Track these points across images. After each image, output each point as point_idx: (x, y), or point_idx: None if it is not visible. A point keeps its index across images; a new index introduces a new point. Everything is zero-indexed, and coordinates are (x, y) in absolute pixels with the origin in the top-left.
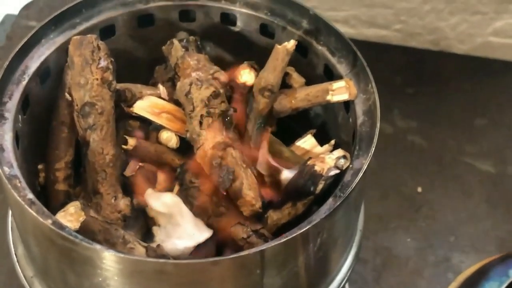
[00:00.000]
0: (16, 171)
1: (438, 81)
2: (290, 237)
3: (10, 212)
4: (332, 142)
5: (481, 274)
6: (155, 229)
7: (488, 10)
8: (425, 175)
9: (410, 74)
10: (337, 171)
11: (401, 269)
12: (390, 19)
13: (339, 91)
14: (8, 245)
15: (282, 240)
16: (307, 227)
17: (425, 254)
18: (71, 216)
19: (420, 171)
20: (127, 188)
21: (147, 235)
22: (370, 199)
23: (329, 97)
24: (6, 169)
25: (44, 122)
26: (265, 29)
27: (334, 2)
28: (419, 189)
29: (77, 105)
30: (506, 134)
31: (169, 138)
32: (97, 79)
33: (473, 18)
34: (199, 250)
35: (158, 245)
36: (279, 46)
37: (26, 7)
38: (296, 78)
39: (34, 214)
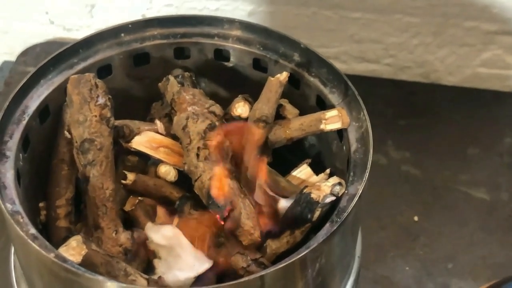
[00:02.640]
0: (18, 207)
1: (430, 112)
2: (289, 262)
3: (12, 251)
4: (328, 171)
5: None
6: (156, 261)
7: (475, 42)
8: (421, 204)
9: (401, 106)
10: (333, 198)
11: None
12: (380, 53)
13: (332, 120)
14: (11, 284)
15: (282, 265)
16: (306, 251)
17: (424, 282)
18: (73, 250)
19: (415, 200)
20: (127, 222)
21: (148, 268)
22: (368, 229)
23: (322, 126)
24: (8, 205)
25: (44, 160)
26: (258, 64)
27: (324, 39)
28: (416, 218)
29: (76, 142)
30: (498, 162)
31: (167, 171)
32: (95, 116)
33: (461, 50)
34: (199, 281)
35: (160, 277)
36: (272, 78)
37: (23, 53)
38: (290, 110)
39: (37, 248)
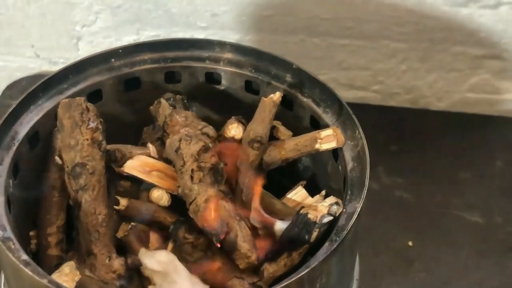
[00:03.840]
0: (9, 233)
1: (420, 137)
2: (289, 281)
3: (3, 281)
4: (323, 192)
5: None
6: None
7: (463, 67)
8: (415, 229)
9: (392, 132)
10: (331, 218)
11: None
12: (368, 80)
13: (327, 139)
14: None
15: (282, 285)
16: (306, 270)
17: None
18: (66, 276)
19: (409, 225)
20: (120, 249)
21: None
22: (363, 256)
23: (317, 146)
24: (0, 232)
25: (34, 187)
26: (250, 86)
27: (312, 66)
28: (410, 243)
29: (67, 167)
30: (490, 185)
31: (160, 196)
32: (87, 139)
33: (449, 76)
34: None
35: None
36: (265, 99)
37: (9, 87)
38: (283, 131)
39: (30, 273)
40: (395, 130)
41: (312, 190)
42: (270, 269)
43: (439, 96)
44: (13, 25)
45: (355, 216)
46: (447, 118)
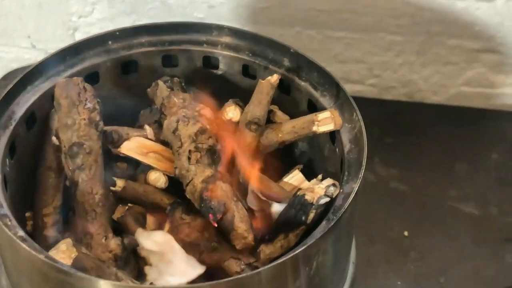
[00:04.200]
0: (6, 210)
1: (416, 130)
2: (287, 258)
3: None
4: (320, 176)
5: None
6: (146, 268)
7: (459, 60)
8: (411, 219)
9: (387, 125)
10: (328, 199)
11: None
12: (364, 74)
13: (325, 121)
14: None
15: (280, 261)
16: (302, 248)
17: None
18: (63, 253)
19: (405, 216)
20: (116, 231)
21: (138, 277)
22: (359, 245)
23: (315, 128)
24: None
25: (30, 168)
26: (247, 70)
27: None
28: (406, 233)
29: (64, 146)
30: (486, 177)
31: (157, 178)
32: (84, 119)
33: (445, 69)
34: None
35: (151, 283)
36: (263, 81)
37: (5, 78)
38: (280, 116)
39: (27, 249)
40: (390, 123)
41: (309, 175)
42: (266, 251)
43: (434, 90)
44: (9, 16)
45: (352, 196)
46: (443, 112)
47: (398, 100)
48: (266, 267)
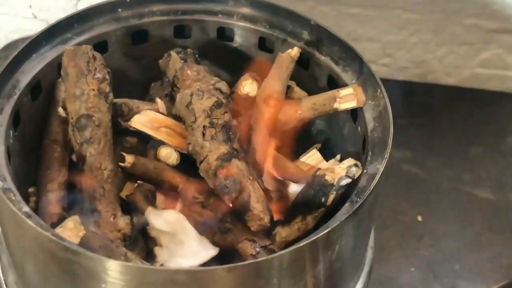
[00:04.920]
0: (10, 184)
1: (429, 112)
2: (308, 241)
3: None
4: (338, 156)
5: None
6: (157, 249)
7: (475, 41)
8: (424, 204)
9: (400, 106)
10: (349, 180)
11: None
12: (377, 53)
13: (347, 98)
14: None
15: (301, 245)
16: (326, 231)
17: (431, 284)
18: (70, 231)
19: (418, 200)
20: (124, 210)
21: (148, 258)
22: None
23: (336, 105)
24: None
25: (35, 141)
26: (264, 43)
27: None
28: (419, 218)
29: (72, 118)
30: (502, 161)
31: (168, 154)
32: (93, 89)
33: (460, 49)
34: None
35: (162, 265)
36: (282, 54)
37: (5, 48)
38: (298, 92)
39: (33, 225)
40: (403, 104)
41: (327, 155)
42: (282, 233)
43: (448, 71)
44: None
45: (377, 177)
46: (456, 93)
47: (411, 81)
48: (286, 250)
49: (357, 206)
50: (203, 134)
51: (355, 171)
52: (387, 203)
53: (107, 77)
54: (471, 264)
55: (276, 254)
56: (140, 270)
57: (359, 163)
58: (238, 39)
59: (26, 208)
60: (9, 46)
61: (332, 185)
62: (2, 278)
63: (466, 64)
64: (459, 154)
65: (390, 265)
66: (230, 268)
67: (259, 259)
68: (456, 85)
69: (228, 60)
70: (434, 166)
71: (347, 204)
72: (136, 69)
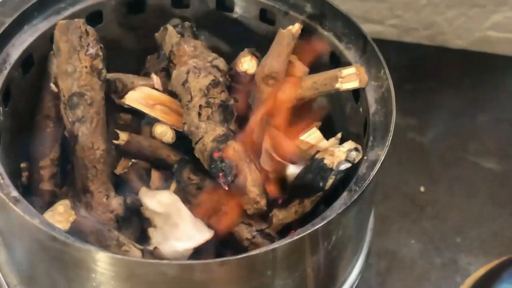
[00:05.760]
0: None
1: (437, 77)
2: (304, 234)
3: None
4: (339, 135)
5: (493, 276)
6: (150, 230)
7: (486, 2)
8: (428, 174)
9: (407, 70)
10: (349, 165)
11: (407, 273)
12: (385, 14)
13: (349, 78)
14: None
15: (295, 238)
16: (322, 223)
17: (431, 257)
18: (60, 216)
19: (422, 169)
20: (118, 187)
21: (141, 238)
22: None
23: (338, 85)
24: None
25: (27, 116)
26: (265, 15)
27: None
28: (422, 189)
29: (64, 96)
30: (509, 130)
31: (164, 132)
32: (86, 67)
33: (471, 12)
34: (199, 253)
35: (155, 248)
36: (283, 30)
37: (1, 4)
38: (299, 67)
39: (20, 213)
40: (410, 68)
41: (326, 133)
42: (279, 215)
43: (458, 34)
44: None
45: (377, 166)
46: (465, 57)
47: (419, 43)
48: (280, 244)
49: (356, 196)
50: (199, 114)
51: (355, 156)
52: (390, 173)
53: (100, 53)
54: (473, 238)
55: (270, 248)
56: (130, 263)
57: (359, 147)
58: (238, 10)
59: (14, 193)
60: (6, 2)
61: (331, 169)
62: None
63: (477, 27)
64: (465, 122)
65: (390, 237)
66: (223, 262)
67: (253, 253)
68: (466, 48)
69: (227, 32)
70: (439, 134)
71: (345, 193)
72: (132, 40)
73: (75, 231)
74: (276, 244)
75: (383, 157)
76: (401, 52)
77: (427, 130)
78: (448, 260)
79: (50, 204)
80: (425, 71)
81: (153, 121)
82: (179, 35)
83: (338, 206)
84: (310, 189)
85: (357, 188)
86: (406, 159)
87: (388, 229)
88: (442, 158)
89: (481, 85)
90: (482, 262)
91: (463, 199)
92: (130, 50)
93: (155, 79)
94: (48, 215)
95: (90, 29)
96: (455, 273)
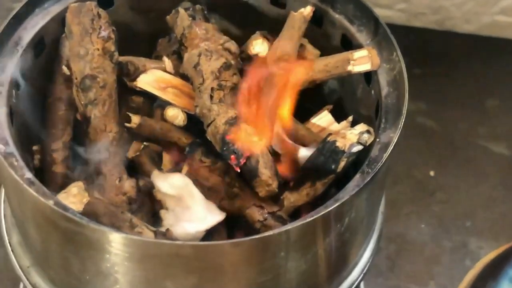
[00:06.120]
0: (12, 148)
1: (446, 61)
2: (317, 216)
3: (2, 198)
4: (350, 118)
5: (503, 259)
6: (162, 212)
7: None
8: (437, 158)
9: (416, 54)
10: (361, 147)
11: (417, 256)
12: None
13: (361, 60)
14: (1, 235)
15: (309, 219)
16: (336, 204)
17: (441, 240)
18: (73, 197)
19: (431, 154)
20: (130, 170)
21: (154, 220)
22: None
23: (350, 68)
24: (1, 146)
25: (39, 99)
26: None
27: None
28: (432, 173)
29: (76, 78)
30: None
31: (175, 115)
32: (98, 49)
33: None
34: (210, 234)
35: (167, 230)
36: (295, 13)
37: None
38: (310, 50)
39: (34, 194)
40: (419, 53)
41: (338, 116)
42: (291, 198)
43: (467, 18)
44: None
45: (390, 148)
46: (474, 42)
47: (428, 27)
48: (293, 225)
49: (369, 178)
50: (211, 97)
51: (367, 138)
52: (399, 157)
53: (112, 35)
54: (482, 221)
55: (283, 229)
56: (144, 243)
57: (371, 130)
58: None
59: (28, 174)
60: None
61: (343, 151)
62: (7, 239)
63: (486, 11)
64: (475, 107)
65: (400, 221)
66: (236, 243)
67: (266, 234)
68: (475, 33)
69: (238, 15)
70: (448, 118)
71: (358, 175)
72: (143, 23)
73: (89, 212)
74: (289, 226)
75: (396, 139)
76: (410, 37)
77: (436, 114)
78: (458, 244)
79: (62, 186)
80: (434, 56)
81: (165, 104)
82: (190, 18)
83: (351, 188)
84: (321, 172)
85: (370, 170)
86: (416, 144)
87: (398, 213)
88: (452, 143)
89: (490, 69)
90: (492, 245)
91: (473, 183)
92: (141, 33)
93: (167, 62)
94: (61, 197)
95: (102, 11)
96: (465, 256)
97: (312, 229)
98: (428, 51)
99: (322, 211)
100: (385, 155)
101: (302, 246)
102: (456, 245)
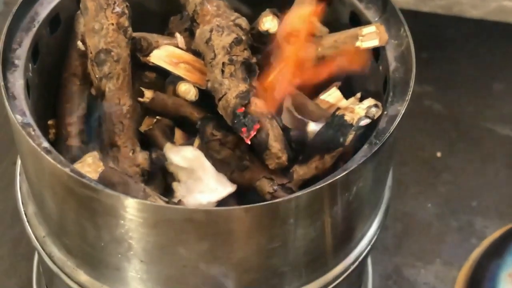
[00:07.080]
0: (29, 119)
1: (453, 45)
2: (326, 183)
3: (18, 172)
4: (358, 95)
5: (508, 237)
6: (175, 184)
7: None
8: (444, 140)
9: (423, 39)
10: (369, 121)
11: (423, 235)
12: None
13: (369, 36)
14: (18, 207)
15: (318, 187)
16: (344, 173)
17: (447, 220)
18: (89, 166)
19: (438, 136)
20: (142, 144)
21: (166, 193)
22: None
23: (358, 43)
24: (19, 117)
25: (54, 74)
26: None
27: None
28: (438, 154)
29: (91, 53)
30: None
31: (187, 90)
32: (112, 24)
33: None
34: (222, 206)
35: (180, 200)
36: None
37: None
38: (319, 28)
39: (52, 161)
40: (427, 37)
41: (346, 92)
42: (300, 171)
43: (474, 4)
44: None
45: (397, 120)
46: (481, 27)
47: (435, 12)
48: (303, 192)
49: (376, 148)
50: (222, 71)
51: (375, 112)
52: (407, 138)
53: (126, 11)
54: (488, 201)
55: (293, 196)
56: (158, 208)
57: (379, 104)
58: None
59: (45, 144)
60: None
61: (351, 125)
62: (22, 209)
63: None
64: (481, 90)
65: (407, 201)
66: (247, 208)
67: (276, 200)
68: (482, 18)
69: None
70: (455, 101)
71: (365, 146)
72: (156, 2)
73: (103, 181)
74: (299, 193)
75: (403, 111)
76: (417, 21)
77: (443, 97)
78: (464, 223)
79: (77, 160)
80: (441, 40)
81: (177, 79)
82: None
83: (359, 157)
84: (330, 145)
85: (377, 141)
86: (423, 126)
87: (404, 193)
88: (458, 125)
89: (497, 53)
90: (498, 225)
91: (479, 165)
92: (154, 11)
93: (179, 38)
94: (77, 166)
95: None
96: (471, 235)
97: (320, 196)
98: (435, 35)
99: (330, 179)
100: (392, 127)
101: (311, 214)
102: (462, 225)
